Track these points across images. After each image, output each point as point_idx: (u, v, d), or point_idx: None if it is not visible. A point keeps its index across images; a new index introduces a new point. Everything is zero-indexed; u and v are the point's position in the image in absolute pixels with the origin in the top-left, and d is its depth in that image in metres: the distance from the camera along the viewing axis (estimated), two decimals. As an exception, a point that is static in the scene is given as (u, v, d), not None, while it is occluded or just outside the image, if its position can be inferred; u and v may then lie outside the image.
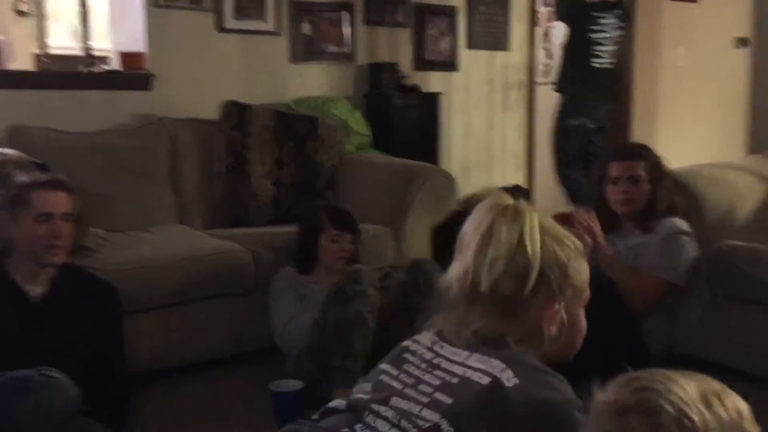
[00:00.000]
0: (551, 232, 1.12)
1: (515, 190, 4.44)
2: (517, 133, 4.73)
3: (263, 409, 2.18)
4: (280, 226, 3.00)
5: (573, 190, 4.10)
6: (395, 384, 1.13)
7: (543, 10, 5.52)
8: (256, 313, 2.59)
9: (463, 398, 1.04)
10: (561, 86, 4.02)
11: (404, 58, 4.07)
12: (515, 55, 4.61)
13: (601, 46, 3.99)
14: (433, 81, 4.19)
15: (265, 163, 3.18)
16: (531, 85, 4.73)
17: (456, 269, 1.14)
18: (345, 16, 3.83)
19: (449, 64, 4.28)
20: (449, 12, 4.24)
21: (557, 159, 4.12)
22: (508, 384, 1.03)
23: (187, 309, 2.54)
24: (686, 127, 5.24)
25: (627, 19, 4.20)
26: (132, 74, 3.25)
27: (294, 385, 2.18)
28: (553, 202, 5.19)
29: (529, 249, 1.08)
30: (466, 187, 4.42)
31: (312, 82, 3.75)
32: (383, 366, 1.19)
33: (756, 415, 2.18)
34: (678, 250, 2.42)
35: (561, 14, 4.12)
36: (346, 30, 3.84)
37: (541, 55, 5.56)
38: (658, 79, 5.27)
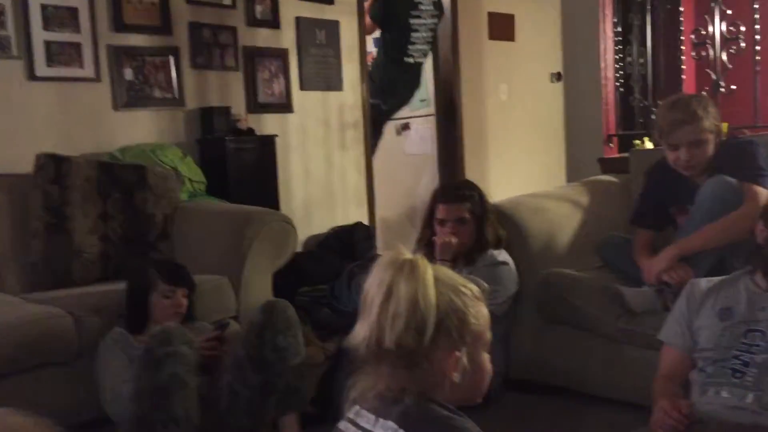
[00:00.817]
0: (447, 282, 1.17)
1: (357, 227, 4.49)
2: (356, 171, 4.79)
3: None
4: (110, 284, 2.82)
5: None
6: None
7: (373, 51, 5.68)
8: (83, 382, 2.40)
9: None
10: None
11: (237, 101, 4.01)
12: (348, 94, 4.68)
13: (413, 45, 4.65)
14: (268, 123, 4.15)
15: (88, 217, 2.98)
16: (366, 123, 4.82)
17: (362, 329, 1.16)
18: (171, 60, 3.72)
19: (284, 106, 4.27)
20: (280, 54, 4.24)
21: None
22: None
23: (3, 383, 2.31)
24: (514, 158, 5.57)
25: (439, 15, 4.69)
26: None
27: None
28: (394, 233, 5.31)
29: (422, 302, 1.12)
30: (309, 227, 4.42)
31: (139, 130, 3.59)
32: None
33: (587, 430, 2.29)
34: (495, 281, 2.53)
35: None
36: (173, 74, 3.73)
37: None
38: (485, 114, 5.58)
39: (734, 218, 2.27)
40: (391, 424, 1.13)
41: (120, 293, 2.55)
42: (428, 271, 1.15)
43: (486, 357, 1.22)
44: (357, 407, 1.22)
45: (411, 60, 4.71)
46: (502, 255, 2.64)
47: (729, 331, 1.86)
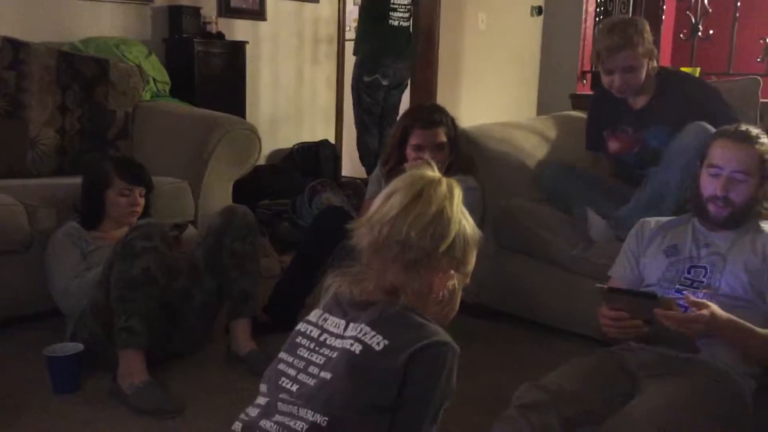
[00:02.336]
0: (465, 214, 1.25)
1: (323, 145, 4.44)
2: (326, 88, 4.71)
3: (42, 376, 2.03)
4: (65, 178, 2.76)
5: (365, 153, 4.34)
6: (290, 371, 1.20)
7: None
8: (34, 273, 2.37)
9: (341, 371, 1.13)
10: (356, 48, 4.19)
11: (208, 3, 3.87)
12: (325, 8, 4.55)
13: (396, 4, 4.29)
14: (239, 29, 4.03)
15: (45, 108, 2.88)
16: (341, 40, 4.71)
17: (372, 219, 1.21)
18: (141, -49, 3.55)
19: (257, 13, 4.14)
20: (257, -43, 4.08)
21: (355, 119, 4.32)
22: (378, 348, 1.12)
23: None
24: (487, 88, 5.51)
25: None
26: None
27: (72, 348, 2.04)
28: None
29: (448, 215, 1.19)
30: (274, 141, 4.36)
31: (103, 22, 3.45)
32: (281, 354, 1.25)
33: (541, 356, 2.34)
34: (467, 207, 2.54)
35: None
36: (143, -33, 3.57)
37: (354, 10, 5.57)
38: (462, 41, 5.47)
39: None
40: (362, 326, 1.15)
41: (75, 188, 2.50)
42: (459, 194, 1.24)
43: (460, 296, 1.27)
44: (322, 312, 1.24)
45: (396, 23, 4.39)
46: (472, 181, 2.63)
47: (674, 266, 1.91)
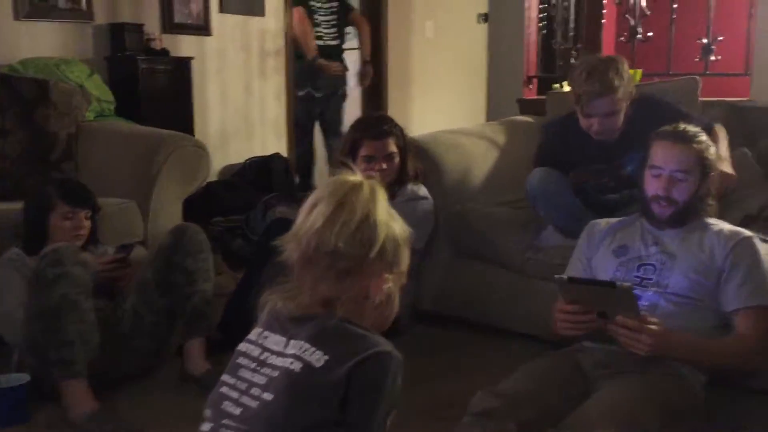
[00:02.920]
0: (392, 214, 1.23)
1: (274, 159, 4.41)
2: (276, 101, 4.68)
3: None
4: (6, 204, 2.67)
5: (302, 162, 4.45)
6: (233, 394, 1.18)
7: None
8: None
9: (282, 391, 1.11)
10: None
11: (151, 19, 3.81)
12: (271, 20, 4.53)
13: (321, 27, 4.50)
14: (184, 45, 3.98)
15: (-18, 132, 2.81)
16: (288, 52, 4.69)
17: (299, 232, 1.20)
18: (79, -31, 3.48)
19: (201, 28, 4.09)
20: (199, -28, 4.04)
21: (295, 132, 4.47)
22: (318, 364, 1.11)
23: None
24: (437, 96, 5.56)
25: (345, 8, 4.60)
26: None
27: (19, 379, 1.97)
28: (316, 167, 5.25)
29: (374, 218, 1.18)
30: (225, 156, 4.31)
31: (42, 43, 3.37)
32: (223, 376, 1.23)
33: (498, 360, 2.33)
34: (415, 215, 2.54)
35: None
36: (82, -15, 3.50)
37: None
38: (410, 50, 5.52)
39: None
40: (302, 343, 1.14)
41: (18, 213, 2.42)
42: (383, 195, 1.22)
43: (398, 297, 1.26)
44: (263, 330, 1.22)
45: (321, 42, 4.54)
46: (422, 189, 2.64)
47: (624, 266, 1.93)
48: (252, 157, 4.39)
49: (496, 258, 2.60)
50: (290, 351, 1.15)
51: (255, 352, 1.20)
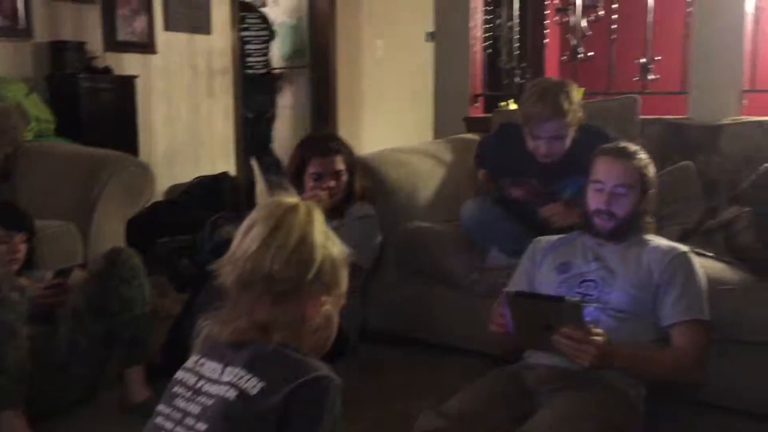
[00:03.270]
0: (329, 235, 1.22)
1: (223, 178, 4.36)
2: (224, 120, 4.64)
3: None
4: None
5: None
6: (168, 425, 1.15)
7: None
8: None
9: (216, 421, 1.09)
10: None
11: (93, 38, 3.75)
12: (218, 39, 4.50)
13: (250, 57, 4.68)
14: (128, 63, 3.92)
15: None
16: (236, 71, 4.66)
17: (234, 256, 1.17)
18: (17, -14, 3.40)
19: (146, 46, 4.04)
20: (143, -10, 3.99)
21: None
22: (254, 392, 1.08)
23: None
24: (387, 114, 5.58)
25: (269, 33, 4.70)
26: None
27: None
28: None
29: (311, 240, 1.17)
30: (172, 176, 4.25)
31: (-23, 61, 3.28)
32: (158, 406, 1.21)
33: (446, 379, 2.31)
34: (363, 234, 2.53)
35: None
36: (20, 2, 3.41)
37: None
38: (360, 68, 5.54)
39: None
40: (238, 369, 1.11)
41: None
42: (320, 217, 1.21)
43: (337, 317, 1.25)
44: (198, 357, 1.19)
45: (250, 71, 4.61)
46: (369, 208, 2.63)
47: (566, 283, 1.96)
48: (200, 177, 4.34)
49: (444, 277, 2.61)
50: (226, 378, 1.13)
51: (191, 380, 1.17)
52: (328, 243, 1.20)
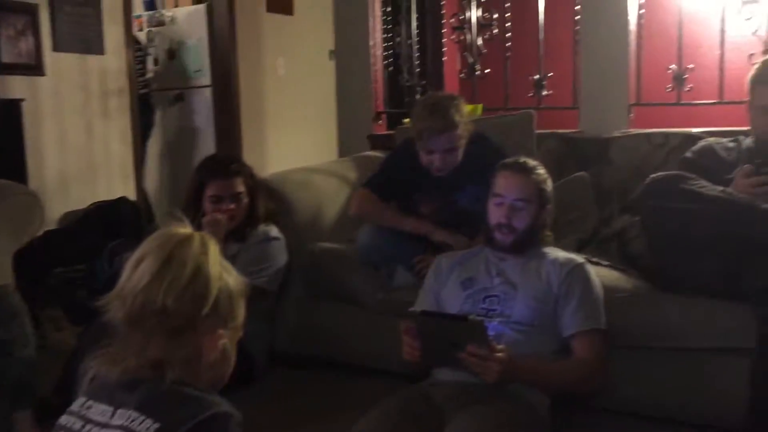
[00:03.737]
0: (225, 266, 1.18)
1: (121, 203, 4.20)
2: (121, 143, 4.47)
3: None
4: None
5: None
6: None
7: (143, 15, 5.33)
8: None
9: None
10: None
11: (-26, 60, 3.54)
12: (112, 59, 4.33)
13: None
14: (13, 86, 3.71)
15: None
16: (132, 91, 4.51)
17: (123, 291, 1.12)
18: None
19: (33, 68, 3.84)
20: (28, 9, 3.79)
21: None
22: None
23: None
24: (291, 133, 5.53)
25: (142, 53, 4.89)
26: None
27: None
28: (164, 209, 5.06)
29: (206, 273, 1.12)
30: (66, 203, 4.05)
31: None
32: None
33: (357, 399, 2.28)
34: (267, 257, 2.50)
35: None
36: None
37: (149, 61, 5.38)
38: (262, 87, 5.47)
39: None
40: (130, 412, 1.06)
41: None
42: (215, 248, 1.17)
43: (235, 351, 1.20)
44: (85, 399, 1.12)
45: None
46: (273, 230, 2.59)
47: (471, 298, 1.99)
48: (97, 202, 4.15)
49: (351, 298, 2.59)
50: (117, 422, 1.06)
51: (76, 425, 1.10)
52: (224, 274, 1.16)
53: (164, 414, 1.05)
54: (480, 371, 1.72)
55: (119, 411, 1.08)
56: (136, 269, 1.12)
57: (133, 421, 1.05)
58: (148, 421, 1.04)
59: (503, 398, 1.76)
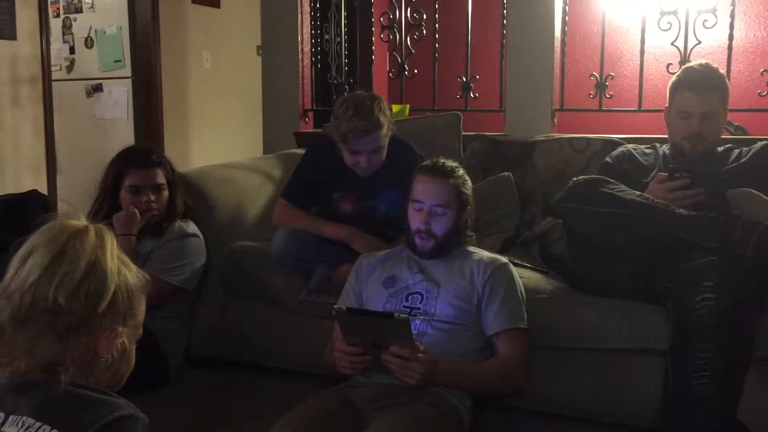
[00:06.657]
0: (124, 260, 1.12)
1: (31, 196, 3.98)
2: (33, 133, 4.24)
3: None
4: None
5: None
6: None
7: (61, 0, 5.11)
8: None
9: None
10: None
11: None
12: (24, 45, 4.11)
13: None
14: None
15: None
16: (46, 80, 4.29)
17: (9, 288, 1.04)
18: None
19: (-65, 51, 3.61)
20: (-70, -12, 3.57)
21: None
22: None
23: None
24: (216, 129, 5.41)
25: None
26: None
27: None
28: (84, 204, 4.84)
29: (102, 268, 1.06)
30: (-29, 195, 3.82)
31: None
32: None
33: (277, 401, 2.21)
34: (184, 255, 2.41)
35: None
36: None
37: (65, 48, 5.16)
38: (187, 81, 5.33)
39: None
40: (24, 419, 0.98)
41: None
42: (113, 241, 1.11)
43: (134, 350, 1.14)
44: None
45: None
46: (191, 227, 2.50)
47: (394, 297, 1.96)
48: (4, 195, 3.93)
49: (271, 298, 2.51)
50: (10, 429, 0.99)
51: None
52: (123, 269, 1.09)
53: (63, 420, 0.98)
54: (402, 373, 1.69)
55: (11, 417, 1.00)
56: (24, 265, 1.04)
57: (28, 428, 0.98)
58: (45, 428, 0.97)
59: (424, 399, 1.74)
